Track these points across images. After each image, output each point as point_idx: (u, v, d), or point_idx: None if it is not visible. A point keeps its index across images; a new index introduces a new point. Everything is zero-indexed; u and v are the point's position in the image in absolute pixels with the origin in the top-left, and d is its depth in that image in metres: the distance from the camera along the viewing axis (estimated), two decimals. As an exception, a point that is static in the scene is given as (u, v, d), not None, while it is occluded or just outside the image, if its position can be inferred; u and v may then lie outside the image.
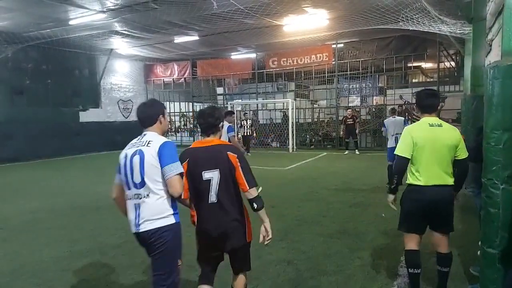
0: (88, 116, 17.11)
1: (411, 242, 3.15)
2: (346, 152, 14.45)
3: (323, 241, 4.81)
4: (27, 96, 14.78)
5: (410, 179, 3.07)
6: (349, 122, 14.28)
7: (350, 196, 7.37)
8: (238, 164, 2.54)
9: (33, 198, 8.01)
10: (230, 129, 7.36)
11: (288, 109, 15.80)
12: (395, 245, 4.52)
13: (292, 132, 15.74)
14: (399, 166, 3.08)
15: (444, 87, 14.88)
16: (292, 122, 15.68)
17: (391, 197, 3.21)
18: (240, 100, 19.11)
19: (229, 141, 6.91)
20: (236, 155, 2.56)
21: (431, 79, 17.85)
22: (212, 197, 2.58)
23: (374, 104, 16.97)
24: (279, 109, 17.96)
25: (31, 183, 10.05)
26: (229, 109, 15.92)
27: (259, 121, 18.29)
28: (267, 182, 9.19)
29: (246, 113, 16.37)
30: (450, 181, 3.02)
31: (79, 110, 16.80)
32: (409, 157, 3.01)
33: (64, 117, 16.01)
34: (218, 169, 2.54)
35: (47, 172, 11.82)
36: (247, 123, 14.91)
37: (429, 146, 2.98)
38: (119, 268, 4.17)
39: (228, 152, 2.56)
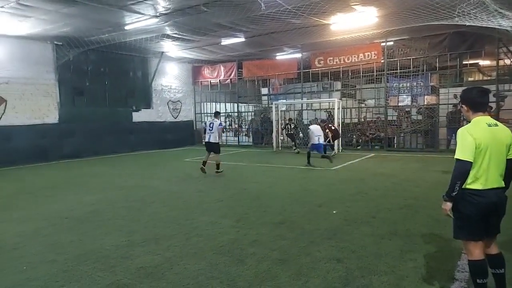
0: (140, 116, 18.01)
1: (477, 250, 2.95)
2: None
3: (373, 241, 4.73)
4: (87, 96, 15.85)
5: (468, 183, 2.91)
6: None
7: (400, 198, 7.15)
8: None
9: (93, 191, 8.61)
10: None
11: (333, 109, 15.58)
12: (450, 249, 4.35)
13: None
14: (463, 172, 2.87)
15: (504, 85, 13.92)
16: (338, 123, 15.46)
17: (449, 205, 2.98)
18: (285, 100, 19.13)
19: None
20: None
21: (489, 77, 16.75)
22: None
23: (425, 103, 16.25)
24: (324, 109, 17.76)
25: (90, 177, 10.79)
26: (273, 109, 16.48)
27: (303, 121, 18.20)
28: (314, 182, 9.17)
29: (291, 119, 17.25)
30: (503, 182, 2.93)
31: (132, 110, 17.73)
32: (472, 161, 2.85)
33: (119, 117, 16.98)
34: None
35: (104, 168, 12.62)
36: (291, 126, 16.46)
37: (490, 148, 2.85)
38: (173, 258, 4.38)
39: None
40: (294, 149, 15.83)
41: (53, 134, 14.42)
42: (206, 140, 10.55)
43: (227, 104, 20.84)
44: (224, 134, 21.24)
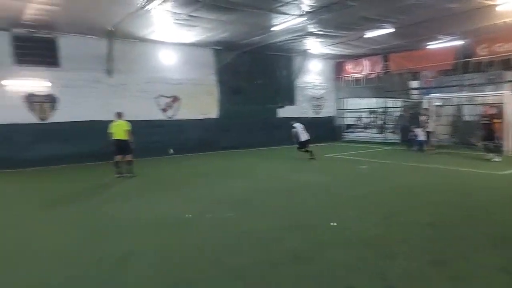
0: (284, 112, 18.99)
1: None
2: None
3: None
4: (243, 95, 17.55)
5: None
6: (485, 122, 12.13)
7: None
8: None
9: (248, 179, 9.70)
10: None
11: (503, 103, 13.33)
12: None
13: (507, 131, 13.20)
14: None
15: None
16: (509, 120, 13.16)
17: None
18: (439, 94, 17.28)
19: None
20: None
21: None
22: None
23: None
24: (489, 104, 15.32)
25: (244, 167, 12.05)
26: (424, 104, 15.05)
27: (462, 118, 16.12)
28: (471, 185, 8.15)
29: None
30: None
31: (277, 107, 18.84)
32: None
33: (267, 113, 18.31)
34: None
35: (256, 159, 13.88)
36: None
37: None
38: (321, 245, 4.61)
39: None
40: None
41: (214, 128, 16.56)
42: (306, 138, 12.99)
43: (371, 99, 20.04)
44: (368, 131, 20.67)
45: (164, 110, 15.49)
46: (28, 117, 12.69)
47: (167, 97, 15.54)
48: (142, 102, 14.71)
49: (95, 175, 10.81)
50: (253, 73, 17.76)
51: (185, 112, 15.90)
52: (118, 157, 10.08)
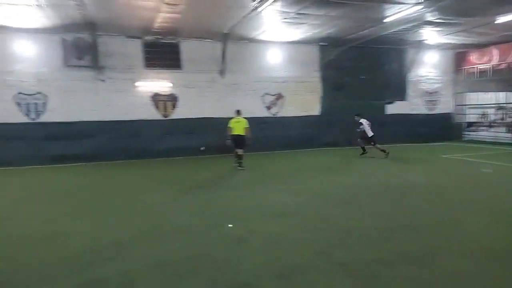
0: (393, 108, 17.91)
1: None
2: None
3: None
4: (346, 91, 17.15)
5: None
6: None
7: None
8: None
9: (352, 175, 9.52)
10: None
11: None
12: None
13: None
14: None
15: None
16: None
17: None
18: None
19: None
20: None
21: None
22: None
23: None
24: None
25: (347, 164, 11.78)
26: None
27: None
28: None
29: None
30: None
31: (385, 103, 17.86)
32: None
33: (373, 110, 17.47)
34: None
35: (359, 157, 13.46)
36: None
37: None
38: (435, 249, 4.30)
39: None
40: None
41: (316, 125, 16.56)
42: (372, 133, 13.08)
43: (499, 93, 17.57)
44: (492, 130, 18.20)
45: (268, 107, 16.06)
46: (154, 114, 14.48)
47: (272, 95, 16.08)
48: (250, 100, 15.50)
49: (213, 166, 11.85)
50: (358, 69, 17.19)
51: (288, 109, 16.24)
52: (237, 150, 11.10)
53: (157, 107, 14.53)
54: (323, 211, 6.17)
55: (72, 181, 9.83)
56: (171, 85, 14.59)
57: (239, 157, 11.01)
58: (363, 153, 13.34)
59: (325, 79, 16.74)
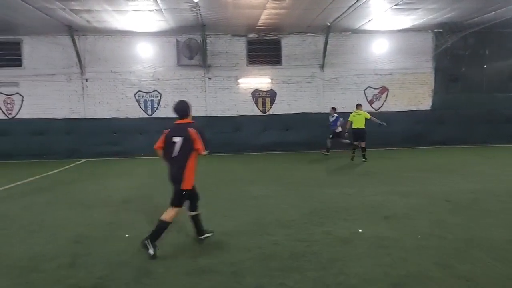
0: (524, 102, 15.41)
1: None
2: None
3: None
4: (461, 82, 15.32)
5: None
6: None
7: None
8: None
9: (462, 178, 8.43)
10: None
11: None
12: None
13: None
14: None
15: None
16: None
17: None
18: None
19: None
20: None
21: None
22: None
23: None
24: None
25: (464, 165, 10.49)
26: None
27: None
28: None
29: None
30: None
31: (515, 95, 15.47)
32: None
33: (496, 103, 15.28)
34: None
35: (475, 157, 11.90)
36: None
37: None
38: None
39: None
40: None
41: (426, 121, 15.12)
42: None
43: None
44: None
45: (370, 101, 15.20)
46: (254, 110, 14.89)
47: (375, 88, 15.19)
48: (351, 94, 14.91)
49: (311, 162, 11.74)
50: (478, 57, 15.18)
51: (392, 103, 15.20)
52: (356, 143, 11.53)
53: (256, 103, 14.93)
54: (438, 216, 5.53)
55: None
56: (270, 81, 14.82)
57: (363, 149, 11.39)
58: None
59: (439, 70, 15.19)
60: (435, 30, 14.50)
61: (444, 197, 6.70)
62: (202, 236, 4.56)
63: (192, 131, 4.12)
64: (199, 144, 4.10)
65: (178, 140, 4.12)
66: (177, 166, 4.15)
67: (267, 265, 3.90)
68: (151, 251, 4.07)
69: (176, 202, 4.21)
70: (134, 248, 4.43)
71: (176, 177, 4.16)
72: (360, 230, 4.97)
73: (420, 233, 4.82)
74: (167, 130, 4.31)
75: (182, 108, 4.35)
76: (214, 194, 7.53)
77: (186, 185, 4.16)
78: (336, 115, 13.07)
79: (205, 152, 4.16)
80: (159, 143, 4.30)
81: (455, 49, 14.99)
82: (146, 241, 4.12)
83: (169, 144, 4.18)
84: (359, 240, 4.60)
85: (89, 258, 4.17)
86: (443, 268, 3.72)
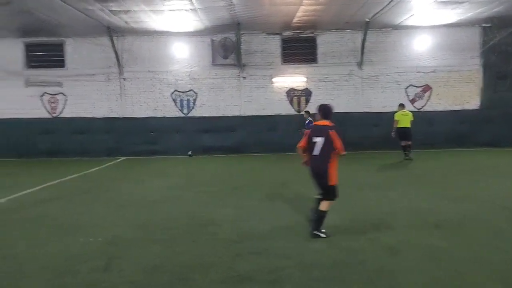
0: None
1: None
2: None
3: None
4: (510, 80, 14.26)
5: None
6: None
7: None
8: None
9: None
10: None
11: None
12: None
13: None
14: None
15: None
16: None
17: None
18: None
19: None
20: None
21: None
22: None
23: None
24: None
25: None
26: None
27: None
28: None
29: None
30: None
31: None
32: None
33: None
34: None
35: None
36: None
37: None
38: None
39: None
40: None
41: (472, 121, 14.18)
42: None
43: None
44: None
45: (412, 100, 14.47)
46: (289, 109, 14.58)
47: (417, 86, 14.45)
48: (391, 93, 14.28)
49: (349, 163, 11.22)
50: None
51: (436, 102, 14.39)
52: (403, 142, 11.40)
53: (291, 102, 14.62)
54: (497, 225, 5.03)
55: (225, 169, 10.58)
56: (305, 79, 14.46)
57: (408, 148, 11.35)
58: None
59: (487, 67, 14.20)
60: (483, 25, 13.51)
61: (500, 203, 6.14)
62: (315, 232, 4.69)
63: (332, 133, 4.58)
64: (338, 145, 4.56)
65: (319, 140, 4.62)
66: (319, 164, 4.63)
67: (309, 274, 3.65)
68: (323, 235, 4.64)
69: (331, 196, 4.66)
70: (168, 251, 4.32)
71: (319, 174, 4.65)
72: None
73: (478, 244, 4.38)
74: (307, 130, 4.90)
75: (328, 111, 4.87)
76: (254, 193, 7.34)
77: (333, 181, 4.61)
78: (310, 119, 12.16)
79: (344, 152, 4.59)
80: (302, 143, 4.83)
81: (503, 45, 13.95)
82: (314, 232, 4.65)
83: (310, 144, 4.71)
84: (408, 250, 4.23)
85: (123, 261, 4.07)
86: (506, 287, 3.31)
